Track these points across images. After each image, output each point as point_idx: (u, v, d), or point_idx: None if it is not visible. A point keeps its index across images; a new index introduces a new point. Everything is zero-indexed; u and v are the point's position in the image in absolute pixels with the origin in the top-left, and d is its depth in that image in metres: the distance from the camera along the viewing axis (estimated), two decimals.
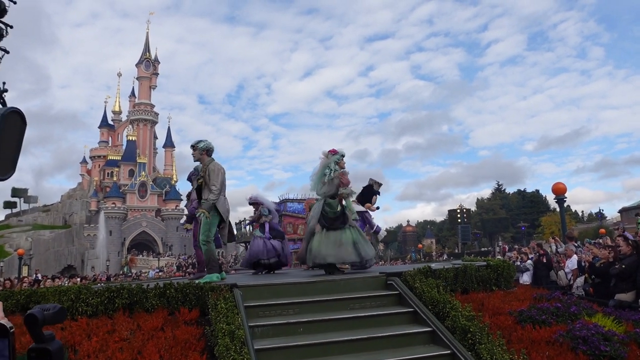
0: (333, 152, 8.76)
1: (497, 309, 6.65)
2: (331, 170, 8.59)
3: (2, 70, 7.96)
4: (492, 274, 7.88)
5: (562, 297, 7.28)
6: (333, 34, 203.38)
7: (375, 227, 11.31)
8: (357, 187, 11.81)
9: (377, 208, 11.67)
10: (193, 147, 8.20)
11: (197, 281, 7.42)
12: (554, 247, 15.65)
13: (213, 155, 8.27)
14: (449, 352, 5.58)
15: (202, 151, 8.13)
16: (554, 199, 16.69)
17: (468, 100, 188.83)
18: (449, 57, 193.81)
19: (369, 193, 11.27)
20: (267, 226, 11.57)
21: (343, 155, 8.85)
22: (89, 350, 5.54)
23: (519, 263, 16.31)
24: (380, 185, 11.71)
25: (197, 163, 8.60)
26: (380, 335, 5.98)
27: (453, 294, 6.87)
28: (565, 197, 16.08)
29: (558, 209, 21.48)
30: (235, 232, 9.12)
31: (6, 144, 6.72)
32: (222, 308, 5.85)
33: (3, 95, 7.66)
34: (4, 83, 7.70)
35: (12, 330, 1.40)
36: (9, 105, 7.18)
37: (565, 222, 18.21)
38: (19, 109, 7.19)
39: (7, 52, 8.03)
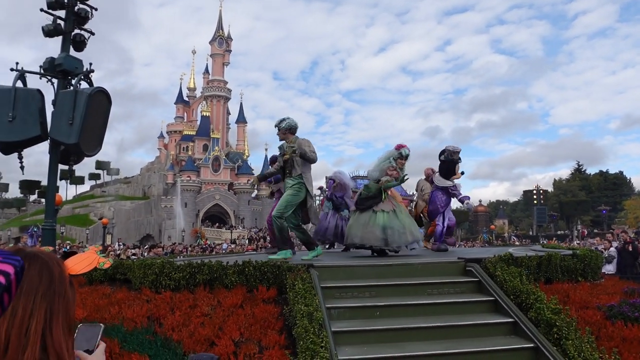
0: (398, 147, 9.18)
1: (584, 303, 6.32)
2: (389, 161, 9.04)
3: (89, 52, 8.29)
4: (579, 264, 7.48)
5: None
6: (410, 7, 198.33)
7: (459, 198, 10.96)
8: (426, 164, 11.58)
9: (462, 173, 11.28)
10: (277, 126, 8.27)
11: (269, 257, 7.55)
12: None
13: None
14: (532, 345, 5.36)
15: (286, 130, 8.20)
16: None
17: (550, 75, 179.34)
18: (532, 30, 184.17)
19: (450, 165, 10.82)
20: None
21: (406, 156, 9.22)
22: (173, 324, 5.76)
23: (602, 250, 15.52)
24: (457, 152, 11.14)
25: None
26: (459, 323, 5.85)
27: (536, 284, 6.59)
28: None
29: None
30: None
31: (93, 122, 7.00)
32: (300, 289, 5.88)
33: (90, 76, 8.00)
34: (90, 64, 8.04)
35: None
36: (96, 85, 7.50)
37: None
38: (104, 89, 7.45)
39: (93, 34, 8.35)
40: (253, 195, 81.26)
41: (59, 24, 7.43)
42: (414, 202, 11.41)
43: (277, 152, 9.01)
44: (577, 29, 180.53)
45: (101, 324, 1.47)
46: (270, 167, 9.36)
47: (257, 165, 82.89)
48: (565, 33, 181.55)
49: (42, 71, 7.12)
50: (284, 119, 8.26)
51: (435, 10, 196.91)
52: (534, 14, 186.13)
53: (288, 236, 8.27)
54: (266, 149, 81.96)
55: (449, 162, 10.51)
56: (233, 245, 36.37)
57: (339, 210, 11.98)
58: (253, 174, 78.45)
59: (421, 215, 11.55)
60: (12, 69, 6.64)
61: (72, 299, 1.25)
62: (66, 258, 1.34)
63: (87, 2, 7.86)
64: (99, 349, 1.40)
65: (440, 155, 10.74)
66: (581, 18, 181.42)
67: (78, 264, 1.35)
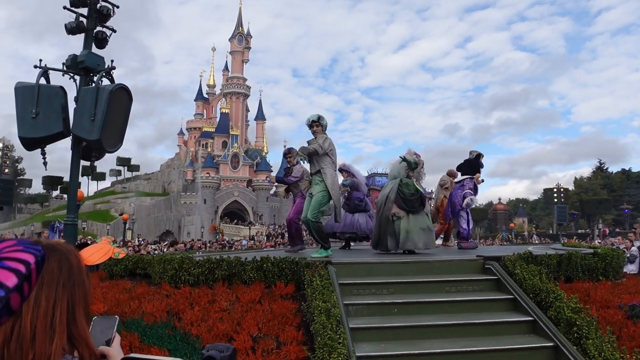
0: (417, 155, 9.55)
1: (605, 302, 6.24)
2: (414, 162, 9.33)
3: (111, 49, 8.37)
4: (600, 263, 7.39)
5: None
6: (430, 4, 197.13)
7: (464, 193, 10.85)
8: (444, 161, 11.66)
9: (482, 180, 11.28)
10: (316, 122, 8.19)
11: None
12: None
13: None
14: (551, 344, 5.31)
15: (324, 128, 8.25)
16: None
17: (572, 72, 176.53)
18: (554, 27, 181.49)
19: (475, 165, 10.81)
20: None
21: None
22: (192, 319, 5.81)
23: (624, 249, 15.22)
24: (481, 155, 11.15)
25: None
26: (477, 321, 5.82)
27: (556, 283, 6.53)
28: None
29: None
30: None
31: (114, 118, 7.10)
32: (318, 285, 5.90)
33: (112, 73, 8.10)
34: (112, 61, 8.13)
35: None
36: (117, 82, 7.58)
37: None
38: (125, 86, 7.55)
39: (114, 31, 8.45)
40: (271, 192, 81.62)
41: (82, 21, 7.52)
42: (435, 198, 11.63)
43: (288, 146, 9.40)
44: (600, 25, 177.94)
45: (116, 316, 1.49)
46: (285, 158, 9.73)
47: (275, 162, 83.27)
48: (588, 30, 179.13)
49: (64, 68, 7.22)
50: (322, 117, 8.25)
51: (456, 7, 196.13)
52: (556, 11, 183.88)
53: (326, 235, 8.40)
54: (285, 146, 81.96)
55: (474, 161, 10.61)
56: (251, 242, 36.59)
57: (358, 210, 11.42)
58: (272, 171, 78.92)
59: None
60: (35, 66, 6.75)
61: (89, 289, 1.28)
62: (80, 249, 1.36)
63: (109, 0, 7.95)
64: (116, 340, 1.42)
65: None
66: (604, 14, 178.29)
67: (93, 255, 1.38)
